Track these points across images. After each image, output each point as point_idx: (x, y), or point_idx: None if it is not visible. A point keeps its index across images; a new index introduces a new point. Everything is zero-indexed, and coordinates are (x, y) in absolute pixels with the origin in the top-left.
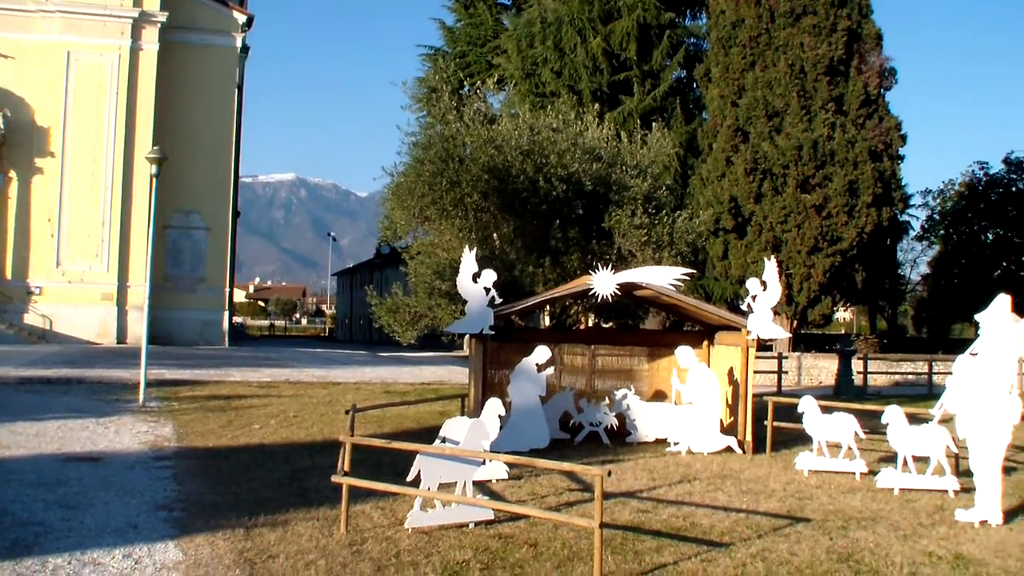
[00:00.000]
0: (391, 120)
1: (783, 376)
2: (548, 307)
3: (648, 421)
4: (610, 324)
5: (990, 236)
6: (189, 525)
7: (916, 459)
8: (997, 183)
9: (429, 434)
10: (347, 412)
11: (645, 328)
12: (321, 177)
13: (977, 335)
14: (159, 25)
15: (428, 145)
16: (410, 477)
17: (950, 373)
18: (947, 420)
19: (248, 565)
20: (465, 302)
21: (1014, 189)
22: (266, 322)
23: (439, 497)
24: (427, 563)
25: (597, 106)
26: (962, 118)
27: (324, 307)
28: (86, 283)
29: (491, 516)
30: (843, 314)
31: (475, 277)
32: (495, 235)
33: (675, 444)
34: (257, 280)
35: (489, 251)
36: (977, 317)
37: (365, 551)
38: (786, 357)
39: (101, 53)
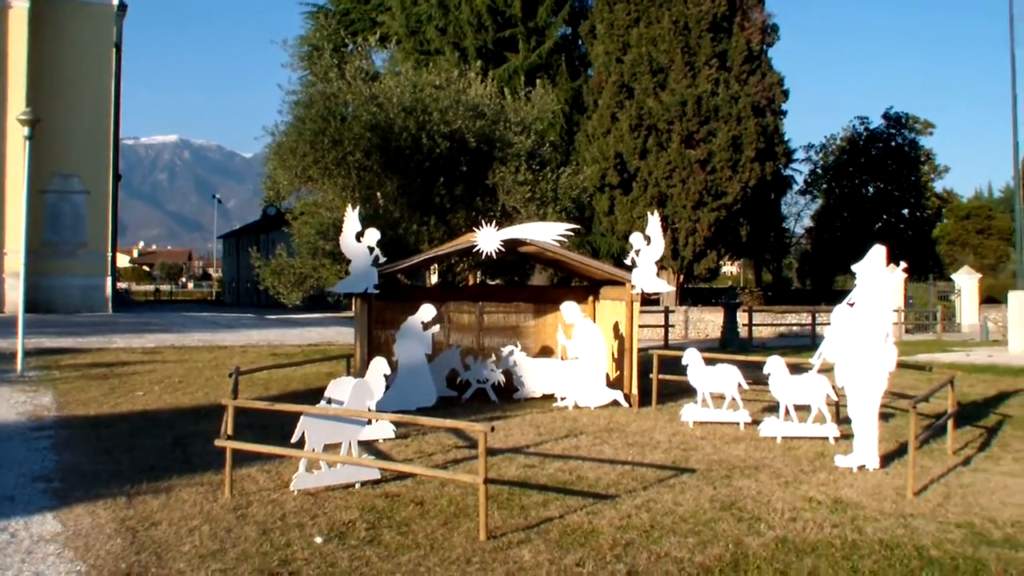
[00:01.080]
0: (276, 79)
1: (670, 330)
2: (435, 265)
3: (535, 377)
4: (497, 281)
5: (871, 190)
6: (69, 496)
7: (798, 408)
8: (877, 138)
9: (316, 396)
10: (230, 375)
11: (532, 284)
12: (205, 138)
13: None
14: None
15: (309, 104)
16: (294, 439)
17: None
18: (827, 369)
19: (130, 533)
20: (349, 262)
21: (893, 144)
22: (151, 287)
23: (324, 458)
24: (313, 524)
25: (480, 63)
26: (844, 74)
27: (211, 270)
28: None
29: (377, 476)
30: (729, 268)
31: (358, 236)
32: (379, 194)
33: (562, 399)
34: (141, 244)
35: (373, 210)
36: (853, 268)
37: (250, 515)
38: (672, 311)
39: None
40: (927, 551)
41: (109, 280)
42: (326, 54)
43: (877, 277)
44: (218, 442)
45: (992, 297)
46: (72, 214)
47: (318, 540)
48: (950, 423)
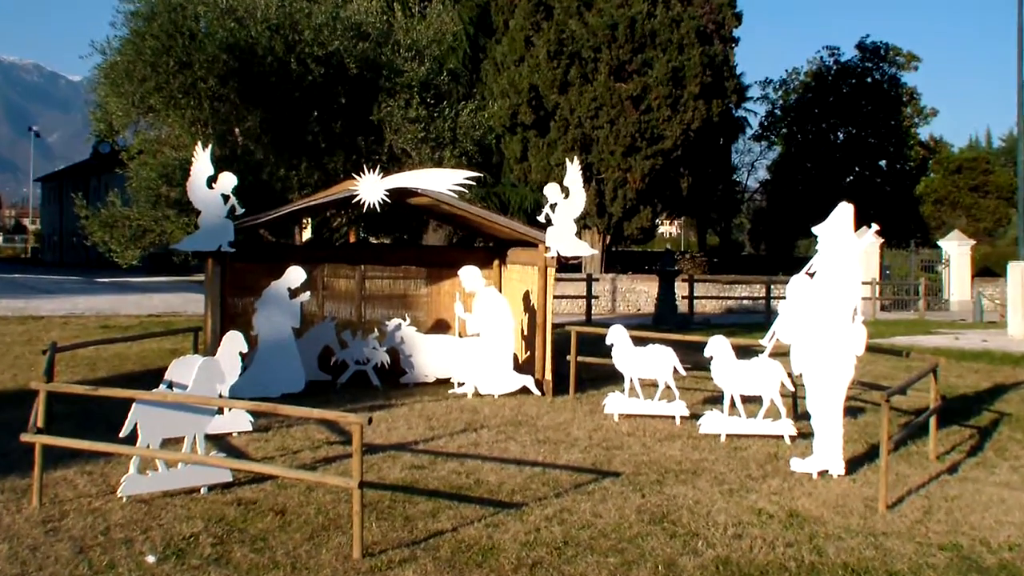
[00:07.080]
0: None
1: (593, 302)
2: (307, 219)
3: (427, 357)
4: (383, 239)
5: (841, 136)
6: None
7: (746, 399)
8: (850, 72)
9: (155, 379)
10: (44, 352)
11: (425, 244)
12: (19, 55)
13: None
14: None
15: (151, 16)
16: (124, 432)
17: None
18: (782, 353)
19: None
20: (199, 213)
21: (869, 80)
22: None
23: (161, 456)
24: (144, 539)
25: None
26: None
27: (26, 221)
28: None
29: (229, 478)
30: (667, 228)
31: (211, 182)
32: (237, 130)
33: (459, 385)
34: None
35: (230, 149)
36: (815, 230)
37: (64, 528)
38: (597, 279)
39: None
40: None
41: None
42: None
43: (844, 241)
44: (25, 436)
45: (988, 269)
46: None
47: (150, 560)
48: (932, 421)
